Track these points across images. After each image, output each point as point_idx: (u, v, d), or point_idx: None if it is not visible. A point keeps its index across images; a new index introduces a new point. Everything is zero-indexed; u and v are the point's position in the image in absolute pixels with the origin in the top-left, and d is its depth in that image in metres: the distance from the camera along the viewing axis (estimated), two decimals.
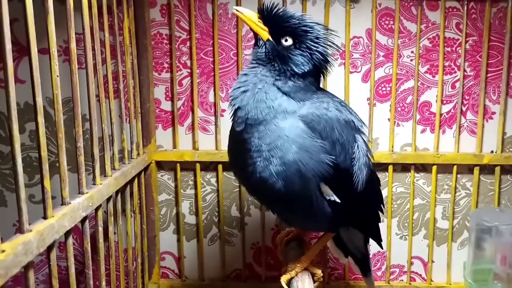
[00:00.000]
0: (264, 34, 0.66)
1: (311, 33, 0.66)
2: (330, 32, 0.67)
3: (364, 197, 0.71)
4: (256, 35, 0.67)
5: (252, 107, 0.64)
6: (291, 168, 0.63)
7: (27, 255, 0.46)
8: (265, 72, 0.66)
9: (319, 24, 0.67)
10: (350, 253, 0.86)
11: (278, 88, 0.65)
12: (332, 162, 0.64)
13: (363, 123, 0.72)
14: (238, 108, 0.65)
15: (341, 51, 0.68)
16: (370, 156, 0.72)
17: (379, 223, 0.81)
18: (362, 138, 0.71)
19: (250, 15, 0.66)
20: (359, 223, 0.76)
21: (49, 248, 0.52)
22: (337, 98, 0.73)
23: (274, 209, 0.77)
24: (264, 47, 0.66)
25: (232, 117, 0.68)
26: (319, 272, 0.74)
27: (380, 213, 0.80)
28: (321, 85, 0.73)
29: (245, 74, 0.66)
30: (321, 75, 0.70)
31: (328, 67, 0.69)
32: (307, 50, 0.66)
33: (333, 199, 0.67)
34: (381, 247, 0.84)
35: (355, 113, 0.72)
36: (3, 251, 0.43)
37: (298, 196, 0.65)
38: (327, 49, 0.67)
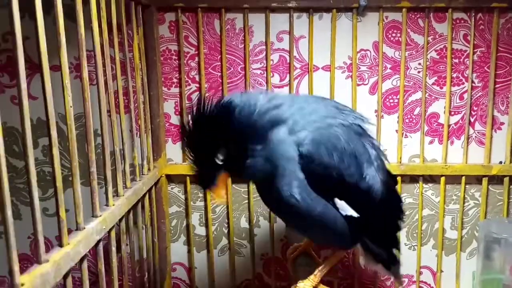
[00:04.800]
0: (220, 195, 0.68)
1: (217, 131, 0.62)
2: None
3: (384, 207, 0.71)
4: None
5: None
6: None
7: (45, 287, 0.48)
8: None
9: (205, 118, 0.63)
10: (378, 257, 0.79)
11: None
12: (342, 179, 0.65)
13: (363, 118, 0.72)
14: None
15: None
16: (383, 159, 0.73)
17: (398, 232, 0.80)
18: (371, 142, 0.71)
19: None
20: (377, 237, 0.74)
21: (65, 276, 0.54)
22: (321, 99, 0.72)
23: (298, 229, 0.78)
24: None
25: None
26: None
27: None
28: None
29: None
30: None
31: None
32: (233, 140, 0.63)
33: (349, 214, 0.68)
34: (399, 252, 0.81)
35: (351, 110, 0.72)
36: (22, 284, 0.44)
37: (319, 218, 0.67)
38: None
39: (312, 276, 0.75)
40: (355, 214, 0.68)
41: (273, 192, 0.67)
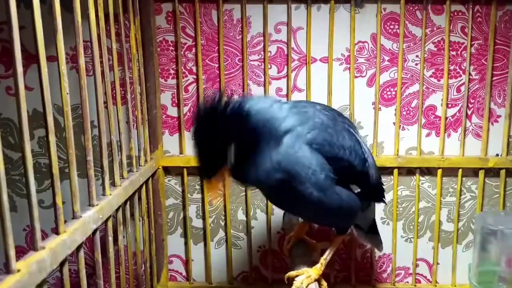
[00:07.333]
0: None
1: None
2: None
3: (376, 187, 0.83)
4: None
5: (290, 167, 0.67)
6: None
7: (41, 273, 0.47)
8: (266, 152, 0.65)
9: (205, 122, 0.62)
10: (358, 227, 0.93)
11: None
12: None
13: (353, 124, 0.81)
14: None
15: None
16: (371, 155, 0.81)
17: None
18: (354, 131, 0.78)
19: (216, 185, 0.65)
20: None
21: (62, 264, 0.54)
22: (316, 103, 0.77)
23: (315, 220, 0.88)
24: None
25: None
26: (325, 284, 0.76)
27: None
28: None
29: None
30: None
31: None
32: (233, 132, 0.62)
33: (357, 191, 0.75)
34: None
35: (338, 112, 0.79)
36: (18, 270, 0.44)
37: (346, 205, 0.73)
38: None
39: (318, 265, 0.75)
40: (358, 189, 0.75)
41: (290, 196, 0.69)
